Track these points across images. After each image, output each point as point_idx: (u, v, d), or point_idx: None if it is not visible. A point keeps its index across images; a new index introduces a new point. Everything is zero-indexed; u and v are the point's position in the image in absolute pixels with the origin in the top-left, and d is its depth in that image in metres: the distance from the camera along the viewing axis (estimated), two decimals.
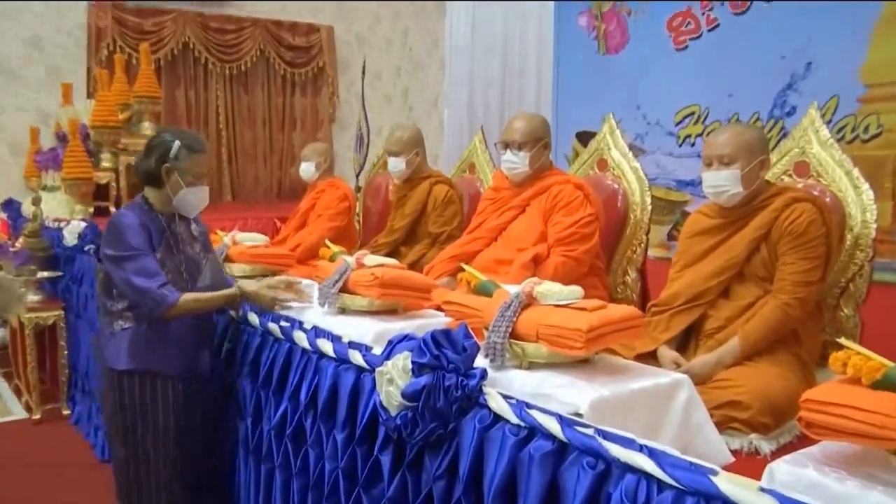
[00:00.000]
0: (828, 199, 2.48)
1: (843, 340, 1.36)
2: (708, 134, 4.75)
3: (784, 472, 1.33)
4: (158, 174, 2.31)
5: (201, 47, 7.74)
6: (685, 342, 2.39)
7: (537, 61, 7.24)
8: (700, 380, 2.10)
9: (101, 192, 6.26)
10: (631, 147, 3.26)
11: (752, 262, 2.35)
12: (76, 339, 4.19)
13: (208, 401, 2.49)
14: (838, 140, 4.87)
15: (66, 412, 4.27)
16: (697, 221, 2.52)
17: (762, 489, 1.12)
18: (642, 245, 3.07)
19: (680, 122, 5.89)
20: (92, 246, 4.16)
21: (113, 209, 6.46)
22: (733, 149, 2.31)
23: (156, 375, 2.30)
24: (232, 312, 2.54)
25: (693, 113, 5.82)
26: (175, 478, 2.36)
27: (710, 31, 5.75)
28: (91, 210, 5.82)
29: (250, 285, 2.48)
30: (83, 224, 4.39)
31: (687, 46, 5.92)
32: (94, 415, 3.87)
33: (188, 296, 2.28)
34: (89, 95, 7.09)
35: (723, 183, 2.33)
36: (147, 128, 6.61)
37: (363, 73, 7.08)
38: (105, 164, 6.33)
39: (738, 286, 2.37)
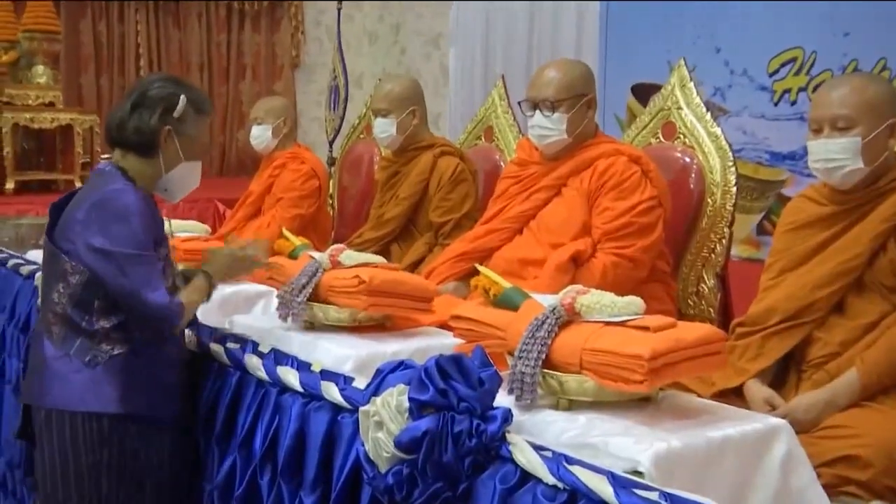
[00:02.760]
0: None
1: None
2: (815, 89, 4.75)
3: None
4: (157, 136, 2.29)
5: None
6: (783, 375, 2.41)
7: None
8: (804, 427, 2.12)
9: None
10: (708, 106, 3.26)
11: (877, 265, 2.35)
12: None
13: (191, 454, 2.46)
14: None
15: None
16: (801, 209, 2.54)
17: None
18: (724, 241, 3.08)
19: (776, 72, 5.91)
20: (19, 258, 4.17)
21: None
22: (852, 109, 2.32)
23: (152, 423, 2.26)
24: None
25: (794, 59, 5.83)
26: None
27: None
28: None
29: (212, 264, 2.49)
30: None
31: None
32: None
33: (184, 298, 2.30)
34: None
35: (837, 155, 2.34)
36: (41, 73, 6.66)
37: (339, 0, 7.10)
38: None
39: (856, 299, 2.38)
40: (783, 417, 2.01)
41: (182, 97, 2.28)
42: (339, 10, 6.98)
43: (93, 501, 2.21)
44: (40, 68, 6.73)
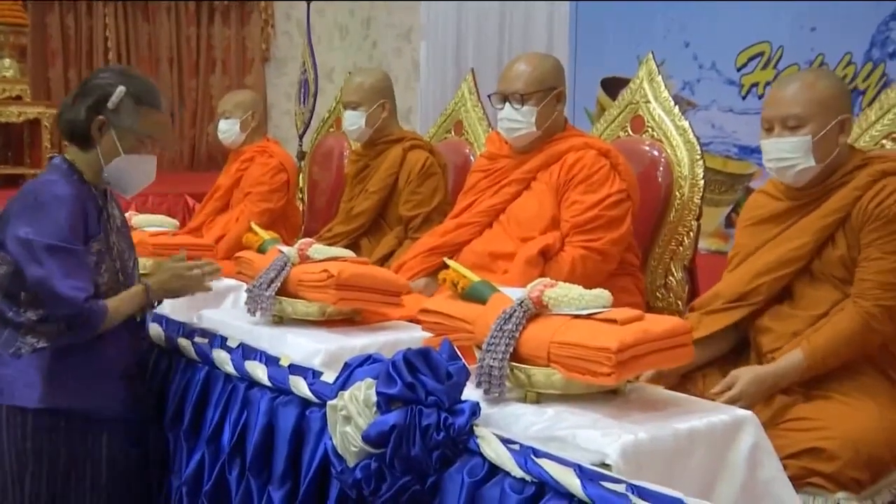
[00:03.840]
0: None
1: None
2: None
3: None
4: (87, 129, 2.23)
5: None
6: (743, 365, 2.42)
7: None
8: (749, 399, 2.15)
9: None
10: (677, 99, 3.29)
11: (825, 257, 2.38)
12: None
13: (138, 456, 2.41)
14: None
15: None
16: (760, 205, 2.57)
17: None
18: (692, 234, 3.11)
19: (744, 66, 5.95)
20: None
21: None
22: (802, 107, 2.34)
23: (86, 418, 2.21)
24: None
25: (762, 53, 5.88)
26: None
27: None
28: None
29: (158, 273, 2.45)
30: None
31: None
32: None
33: (111, 303, 2.22)
34: None
35: (789, 154, 2.36)
36: (7, 67, 6.61)
37: None
38: None
39: (809, 290, 2.41)
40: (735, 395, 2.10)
41: (120, 88, 2.21)
42: (308, 3, 6.95)
43: (17, 495, 2.19)
44: (7, 61, 6.68)
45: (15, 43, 6.77)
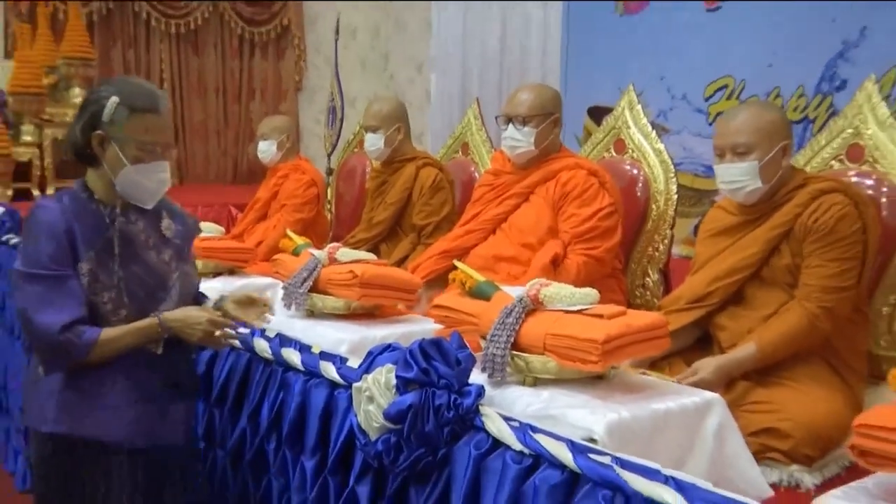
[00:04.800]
0: (885, 190, 2.51)
1: None
2: None
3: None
4: (88, 147, 1.92)
5: (142, 0, 7.71)
6: (701, 355, 2.42)
7: (544, 21, 7.26)
8: (709, 385, 2.14)
9: (21, 171, 6.23)
10: (653, 125, 3.29)
11: (773, 265, 2.38)
12: None
13: (176, 482, 2.07)
14: None
15: None
16: (716, 219, 2.58)
17: None
18: (666, 241, 3.11)
19: (711, 97, 5.93)
20: (12, 236, 4.14)
21: (36, 193, 6.45)
22: (749, 136, 2.34)
23: (100, 446, 1.89)
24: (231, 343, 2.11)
25: (726, 86, 5.85)
26: None
27: None
28: (10, 193, 5.80)
29: (179, 312, 1.96)
30: (0, 209, 4.38)
31: (720, 7, 5.96)
32: (13, 437, 3.86)
33: (107, 333, 1.87)
34: (7, 55, 7.07)
35: (739, 177, 2.36)
36: (78, 95, 6.60)
37: (337, 32, 7.06)
38: (26, 137, 6.32)
39: (760, 291, 2.41)
40: (698, 381, 2.11)
41: (112, 99, 1.87)
42: (336, 40, 6.95)
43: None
44: (76, 90, 6.67)
45: (83, 74, 6.75)
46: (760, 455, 2.02)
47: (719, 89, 5.89)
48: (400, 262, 3.47)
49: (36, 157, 6.36)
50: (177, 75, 8.01)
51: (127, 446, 1.91)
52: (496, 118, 3.16)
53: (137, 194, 1.96)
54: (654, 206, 3.13)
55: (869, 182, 2.54)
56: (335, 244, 2.70)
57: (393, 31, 8.91)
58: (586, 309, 1.90)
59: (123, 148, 1.90)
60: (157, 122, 1.94)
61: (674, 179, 3.13)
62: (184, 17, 7.92)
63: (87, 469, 1.90)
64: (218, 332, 1.96)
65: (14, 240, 4.03)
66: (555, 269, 2.84)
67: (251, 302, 2.12)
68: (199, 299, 2.15)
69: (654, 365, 2.40)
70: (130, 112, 1.89)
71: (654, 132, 3.23)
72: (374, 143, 3.71)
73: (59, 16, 7.20)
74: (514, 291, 1.98)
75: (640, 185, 3.16)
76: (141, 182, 1.94)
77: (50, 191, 6.57)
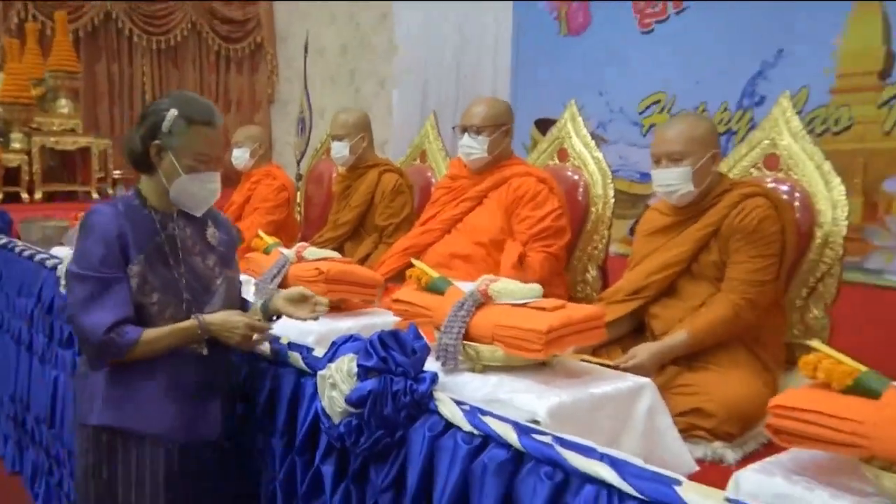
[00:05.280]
0: (798, 195, 2.55)
1: (814, 343, 1.40)
2: None
3: (750, 481, 1.38)
4: (146, 155, 1.85)
5: (125, 17, 7.61)
6: (636, 342, 2.44)
7: (495, 42, 7.27)
8: (645, 369, 2.16)
9: (10, 176, 6.12)
10: (593, 136, 3.30)
11: (702, 261, 2.40)
12: None
13: (212, 473, 1.97)
14: (808, 133, 5.04)
15: None
16: (652, 219, 2.59)
17: (728, 499, 1.15)
18: (604, 241, 3.11)
19: (645, 111, 5.99)
20: (2, 237, 4.06)
21: (25, 196, 6.33)
22: (683, 145, 2.35)
23: (141, 437, 1.83)
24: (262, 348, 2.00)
25: (659, 101, 5.91)
26: None
27: (677, 13, 5.84)
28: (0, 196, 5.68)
29: (213, 314, 1.89)
30: None
31: (653, 29, 6.01)
32: (2, 422, 3.78)
33: (149, 334, 1.80)
34: None
35: (673, 182, 2.38)
36: (63, 105, 6.49)
37: (305, 49, 7.04)
38: (15, 145, 6.20)
39: (690, 285, 2.42)
40: (633, 365, 2.12)
41: (172, 111, 1.82)
42: (305, 57, 6.92)
43: (91, 499, 1.89)
44: (63, 101, 6.56)
45: (69, 86, 6.65)
46: (687, 433, 2.03)
47: (653, 104, 5.95)
48: (363, 260, 3.45)
49: (25, 164, 6.25)
50: (157, 88, 7.92)
51: (166, 439, 1.84)
52: (453, 128, 3.16)
53: (189, 202, 1.90)
54: (593, 209, 3.13)
55: (784, 188, 2.57)
56: (303, 244, 2.68)
57: (359, 49, 8.87)
58: (530, 302, 1.90)
59: (179, 158, 1.84)
60: (211, 135, 1.88)
61: (611, 185, 3.13)
62: (164, 34, 7.83)
63: (128, 460, 1.84)
64: (256, 337, 1.90)
65: (3, 240, 3.96)
66: (521, 267, 2.84)
67: (304, 299, 2.01)
68: (243, 305, 2.07)
69: (595, 352, 2.39)
70: (188, 124, 1.84)
71: (594, 142, 3.24)
72: (340, 150, 3.68)
73: (46, 31, 7.07)
74: (465, 287, 1.98)
75: (581, 189, 3.17)
76: (193, 191, 1.88)
77: (38, 195, 6.47)
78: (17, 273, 3.61)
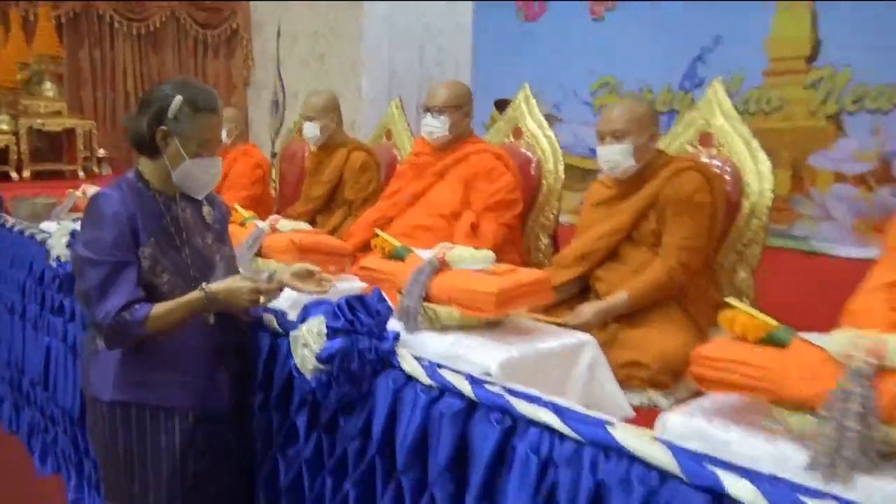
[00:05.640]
0: (729, 169, 2.60)
1: (731, 300, 1.45)
2: None
3: (675, 422, 1.43)
4: (151, 140, 1.77)
5: (105, 5, 7.44)
6: (583, 302, 2.47)
7: (456, 28, 7.25)
8: (589, 326, 2.20)
9: (0, 156, 6.02)
10: (548, 116, 3.32)
11: (641, 229, 2.44)
12: None
13: (227, 443, 1.93)
14: (743, 113, 5.12)
15: None
16: (597, 192, 2.62)
17: (654, 438, 1.20)
18: (555, 212, 3.15)
19: (595, 92, 6.03)
20: (35, 228, 4.01)
21: (14, 175, 6.23)
22: (625, 124, 2.38)
23: (155, 410, 1.78)
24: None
25: (608, 83, 5.96)
26: None
27: (624, 3, 5.88)
28: None
29: (217, 283, 1.82)
30: None
31: (603, 17, 6.05)
32: None
33: (157, 309, 1.72)
34: None
35: (616, 157, 2.41)
36: (49, 89, 6.37)
37: (278, 35, 6.96)
38: (3, 126, 6.10)
39: (631, 251, 2.46)
40: (580, 322, 2.15)
41: (177, 98, 1.74)
42: (277, 43, 6.86)
43: (119, 481, 1.82)
44: (48, 84, 6.44)
45: (54, 71, 6.53)
46: (626, 383, 2.09)
47: (602, 86, 6.00)
48: (333, 232, 3.44)
49: (13, 144, 6.15)
50: (138, 72, 7.78)
51: (181, 411, 1.79)
52: (417, 108, 3.17)
53: (192, 186, 1.83)
54: (544, 183, 3.16)
55: (717, 163, 2.62)
56: (276, 216, 2.69)
57: (329, 36, 8.76)
58: (484, 268, 1.93)
59: (184, 143, 1.77)
60: (214, 122, 1.81)
61: (561, 161, 3.16)
62: (144, 20, 7.68)
63: (143, 435, 1.78)
64: (263, 300, 1.85)
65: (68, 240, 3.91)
66: (474, 235, 2.86)
67: (309, 274, 1.94)
68: None
69: (546, 311, 2.41)
70: (194, 112, 1.76)
71: (548, 121, 3.26)
72: (312, 130, 3.66)
73: (29, 18, 6.91)
74: (424, 254, 2.00)
75: (534, 165, 3.19)
76: (197, 175, 1.81)
77: (26, 173, 6.36)
78: (9, 247, 3.57)
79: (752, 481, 1.09)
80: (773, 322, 1.39)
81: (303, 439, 1.77)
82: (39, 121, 6.42)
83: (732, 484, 1.10)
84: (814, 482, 1.13)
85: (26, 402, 3.40)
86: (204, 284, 1.79)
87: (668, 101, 5.52)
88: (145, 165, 1.82)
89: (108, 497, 1.86)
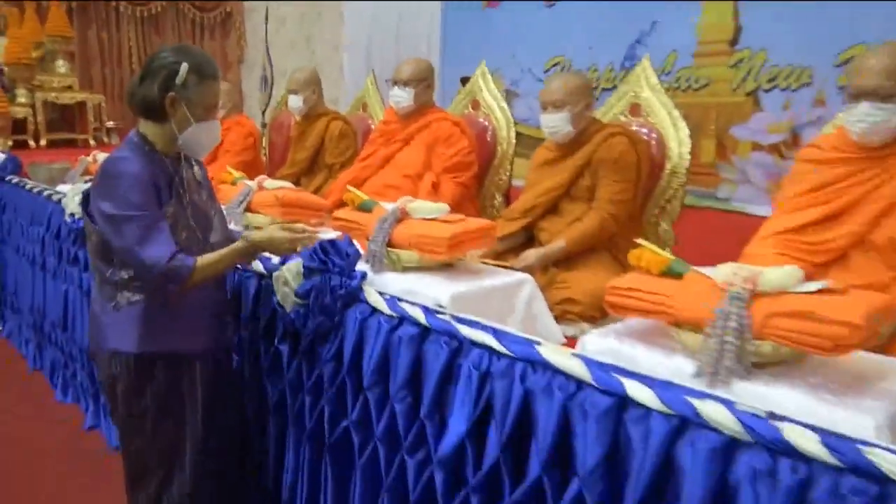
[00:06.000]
0: (654, 136, 2.64)
1: (640, 241, 1.52)
2: None
3: (592, 342, 1.50)
4: (161, 105, 1.65)
5: None
6: (527, 248, 2.51)
7: (428, 14, 7.19)
8: (531, 269, 2.25)
9: (18, 126, 5.92)
10: (507, 92, 3.36)
11: (578, 185, 2.47)
12: (3, 263, 4.04)
13: (235, 380, 1.94)
14: (676, 89, 5.19)
15: None
16: (541, 155, 2.65)
17: (573, 354, 1.27)
18: (507, 174, 3.19)
19: (548, 70, 6.04)
20: (13, 177, 3.97)
21: (32, 143, 6.13)
22: (563, 95, 2.40)
23: (177, 358, 1.72)
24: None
25: (559, 63, 5.97)
26: (204, 472, 1.80)
27: None
28: (10, 143, 5.51)
29: (259, 233, 1.80)
30: (2, 156, 4.18)
31: (555, 3, 6.03)
32: (24, 329, 3.78)
33: (203, 260, 1.66)
34: (0, 33, 6.60)
35: (556, 124, 2.43)
36: (61, 66, 6.26)
37: (266, 19, 6.86)
38: (21, 99, 5.98)
39: (569, 205, 2.50)
40: (524, 265, 2.19)
41: (183, 65, 1.64)
42: (266, 25, 6.76)
43: (144, 424, 1.74)
44: (60, 62, 6.31)
45: (65, 49, 6.40)
46: (562, 317, 2.15)
47: (555, 65, 6.01)
48: (316, 191, 3.46)
49: (30, 115, 6.05)
50: (142, 51, 7.64)
51: (201, 355, 1.75)
52: (386, 81, 3.18)
53: (196, 148, 1.74)
54: (499, 149, 3.19)
55: (644, 130, 2.66)
56: (263, 176, 2.70)
57: (314, 19, 8.66)
58: (439, 217, 1.97)
59: (191, 108, 1.67)
60: (216, 88, 1.72)
61: (513, 129, 3.18)
62: (146, 4, 7.53)
63: (167, 380, 1.72)
64: (299, 248, 1.77)
65: (15, 180, 3.88)
66: (435, 193, 2.89)
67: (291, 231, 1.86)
68: (234, 235, 1.89)
69: (497, 257, 2.45)
70: (200, 79, 1.66)
71: (508, 96, 3.30)
72: (296, 102, 3.65)
73: (43, 2, 6.75)
74: (388, 206, 2.04)
75: (490, 133, 3.22)
76: (201, 138, 1.72)
77: (43, 142, 6.27)
78: (28, 206, 3.56)
79: (649, 386, 1.16)
80: (671, 258, 1.46)
81: (286, 365, 1.81)
82: (53, 95, 6.31)
83: (633, 389, 1.16)
84: (699, 386, 1.20)
85: (48, 342, 3.42)
86: (247, 234, 1.76)
87: (612, 79, 5.56)
88: (150, 129, 1.70)
89: (125, 433, 1.77)
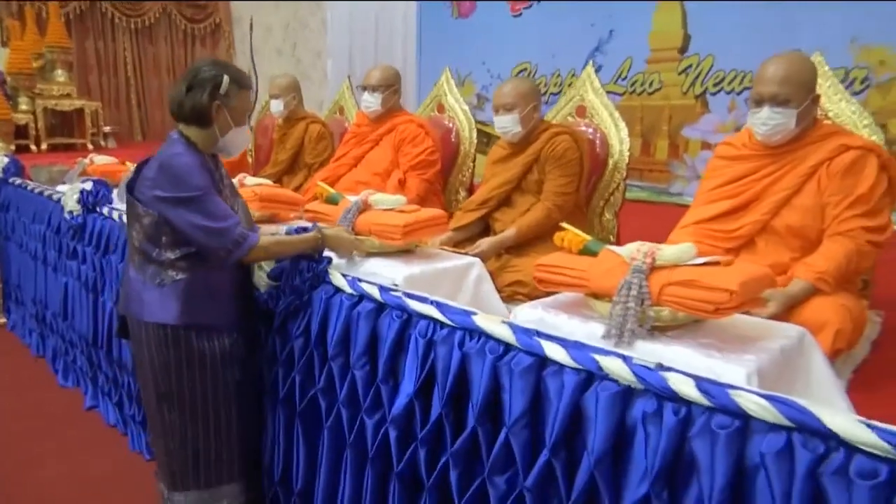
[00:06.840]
0: (598, 135, 2.73)
1: (564, 224, 1.63)
2: None
3: (523, 313, 1.60)
4: (209, 111, 1.74)
5: (107, 3, 7.31)
6: (482, 237, 2.57)
7: (404, 23, 7.28)
8: (486, 256, 2.32)
9: (20, 132, 5.95)
10: (479, 96, 3.43)
11: (528, 180, 2.53)
12: (7, 258, 4.11)
13: (249, 354, 1.93)
14: (632, 92, 5.31)
15: (2, 321, 4.20)
16: (496, 152, 2.71)
17: (502, 321, 1.38)
18: (469, 170, 3.27)
19: (516, 77, 6.14)
20: (17, 179, 4.04)
21: (33, 147, 6.18)
22: (512, 98, 2.45)
23: (212, 329, 1.78)
24: None
25: (525, 69, 6.06)
26: (238, 439, 1.88)
27: (538, 2, 5.98)
28: (13, 147, 5.55)
29: (330, 229, 1.89)
30: (6, 159, 4.24)
31: (521, 14, 6.14)
32: (27, 320, 3.84)
33: (267, 238, 1.77)
34: (3, 44, 6.64)
35: (507, 125, 2.48)
36: (60, 75, 6.30)
37: (251, 29, 6.93)
38: (23, 106, 6.01)
39: (520, 197, 2.55)
40: (478, 250, 2.27)
41: (225, 77, 1.74)
42: (251, 34, 6.82)
43: (182, 394, 1.79)
44: (59, 71, 6.33)
45: (64, 59, 6.42)
46: (511, 298, 2.20)
47: (521, 70, 6.09)
48: (297, 189, 3.51)
49: (31, 121, 6.08)
50: (137, 60, 7.66)
51: (231, 328, 1.81)
52: (356, 87, 3.25)
53: (232, 149, 1.83)
54: (462, 148, 3.25)
55: (590, 130, 2.75)
56: (243, 174, 2.76)
57: (298, 28, 8.72)
58: (396, 208, 2.05)
59: (232, 114, 1.77)
60: (250, 97, 1.84)
61: (475, 130, 3.24)
62: (140, 16, 7.55)
63: (202, 349, 1.77)
64: (356, 252, 1.98)
65: (18, 181, 3.93)
66: (402, 188, 2.95)
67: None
68: (255, 227, 1.94)
69: (456, 245, 2.52)
70: (239, 88, 1.77)
71: (478, 101, 3.38)
72: (277, 106, 3.71)
73: (42, 15, 6.78)
74: (352, 198, 2.11)
75: (454, 133, 3.28)
76: (237, 140, 1.82)
77: (43, 146, 6.30)
78: (30, 205, 3.60)
79: (563, 347, 1.29)
80: (588, 237, 1.58)
81: (263, 341, 1.88)
82: (53, 102, 6.34)
83: (550, 349, 1.29)
84: (607, 346, 1.33)
85: (49, 331, 3.48)
86: (321, 226, 1.85)
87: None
88: (193, 132, 1.77)
89: (161, 404, 1.81)
